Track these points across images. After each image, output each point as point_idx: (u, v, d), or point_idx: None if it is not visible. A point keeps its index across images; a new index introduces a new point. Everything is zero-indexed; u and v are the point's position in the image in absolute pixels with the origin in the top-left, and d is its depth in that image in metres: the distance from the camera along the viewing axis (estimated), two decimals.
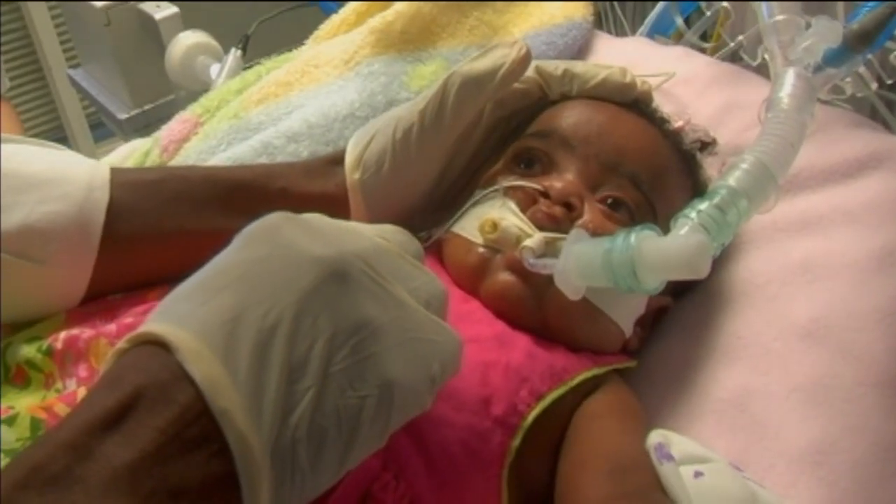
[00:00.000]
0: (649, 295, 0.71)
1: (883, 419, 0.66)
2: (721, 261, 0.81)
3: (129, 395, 0.41)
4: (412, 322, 0.49)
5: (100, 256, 0.68)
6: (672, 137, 0.80)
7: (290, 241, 0.47)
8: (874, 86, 0.82)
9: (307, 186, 0.76)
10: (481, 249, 0.70)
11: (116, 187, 0.70)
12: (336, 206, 0.75)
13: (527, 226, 0.68)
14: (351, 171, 0.76)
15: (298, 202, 0.70)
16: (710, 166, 0.83)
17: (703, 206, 0.53)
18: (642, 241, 0.50)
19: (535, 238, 0.67)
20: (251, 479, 0.41)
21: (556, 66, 0.81)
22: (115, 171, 0.71)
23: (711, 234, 0.52)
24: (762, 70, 1.00)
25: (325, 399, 0.44)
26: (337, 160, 0.78)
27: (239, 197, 0.74)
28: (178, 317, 0.44)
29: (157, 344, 0.43)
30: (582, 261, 0.54)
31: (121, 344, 0.45)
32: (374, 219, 0.75)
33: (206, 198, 0.73)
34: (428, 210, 0.79)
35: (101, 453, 0.39)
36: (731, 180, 0.54)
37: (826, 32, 0.61)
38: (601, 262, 0.52)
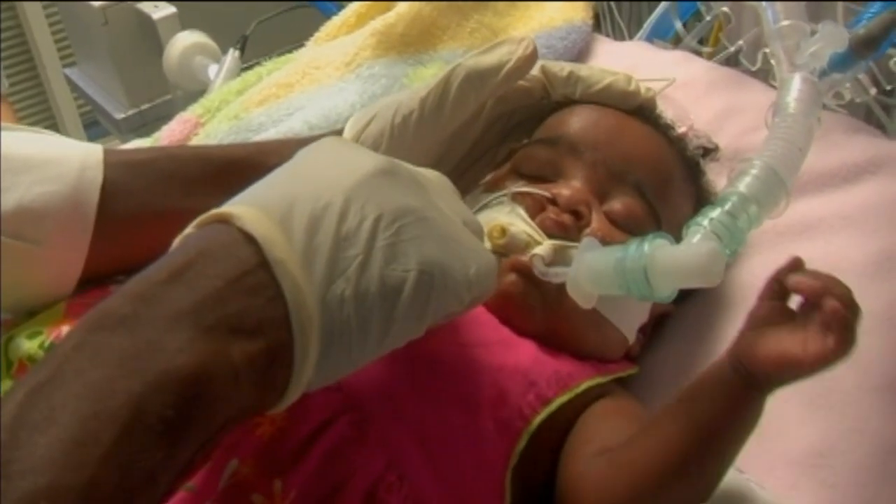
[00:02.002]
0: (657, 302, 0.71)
1: (882, 422, 0.66)
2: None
3: (192, 256, 0.46)
4: (452, 227, 0.53)
5: (95, 236, 0.69)
6: (676, 144, 0.81)
7: (341, 149, 0.54)
8: (873, 91, 0.82)
9: None
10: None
11: (110, 167, 0.70)
12: None
13: (536, 232, 0.68)
14: None
15: None
16: (711, 171, 0.83)
17: (715, 213, 0.53)
18: (656, 250, 0.51)
19: (544, 245, 0.67)
20: (302, 323, 0.45)
21: (562, 68, 0.81)
22: (108, 152, 0.72)
23: (724, 241, 0.52)
24: (761, 74, 1.01)
25: (371, 267, 0.48)
26: None
27: (232, 174, 0.74)
28: (238, 201, 0.50)
29: (220, 221, 0.48)
30: (594, 269, 0.54)
31: (188, 229, 0.50)
32: None
33: (199, 175, 0.74)
34: None
35: (166, 298, 0.44)
36: (742, 186, 0.54)
37: (832, 38, 0.61)
38: (614, 271, 0.52)
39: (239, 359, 0.44)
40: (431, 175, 0.59)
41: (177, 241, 0.50)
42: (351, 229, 0.48)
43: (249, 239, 0.46)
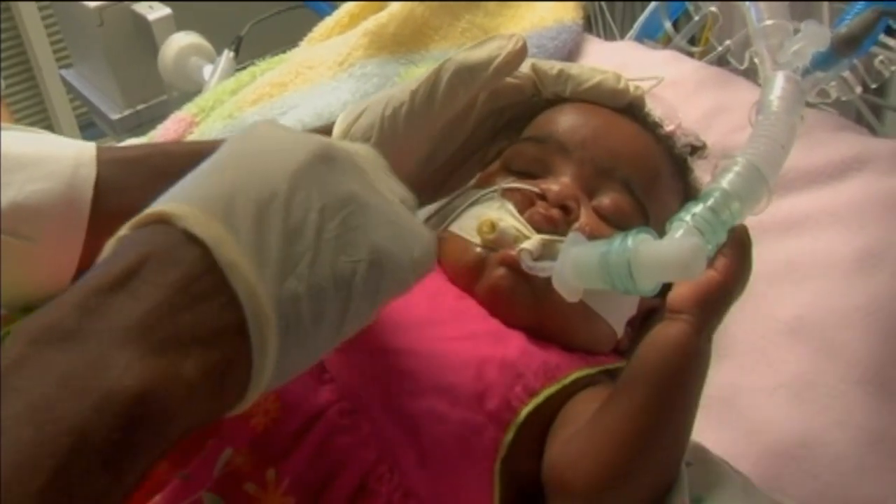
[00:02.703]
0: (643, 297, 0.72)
1: (864, 414, 0.68)
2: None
3: (135, 261, 0.43)
4: (393, 208, 0.53)
5: (89, 232, 0.69)
6: (664, 142, 0.81)
7: (275, 132, 0.52)
8: (858, 90, 0.84)
9: None
10: (479, 249, 0.71)
11: (103, 164, 0.70)
12: None
13: (525, 227, 0.69)
14: None
15: None
16: (699, 169, 0.84)
17: (698, 208, 0.54)
18: (639, 244, 0.51)
19: (532, 240, 0.68)
20: (260, 327, 0.43)
21: (552, 66, 0.82)
22: (101, 149, 0.72)
23: (706, 236, 0.53)
24: (749, 74, 1.02)
25: (321, 261, 0.47)
26: (324, 132, 0.78)
27: None
28: (173, 197, 0.47)
29: (158, 222, 0.45)
30: (579, 263, 0.55)
31: (121, 231, 0.47)
32: None
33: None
34: (413, 191, 0.80)
35: (111, 309, 0.41)
36: (724, 183, 0.55)
37: (814, 36, 0.62)
38: (598, 265, 0.53)
39: (192, 372, 0.42)
40: (364, 151, 0.58)
41: (110, 244, 0.47)
42: (298, 222, 0.47)
43: (194, 240, 0.44)
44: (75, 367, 0.39)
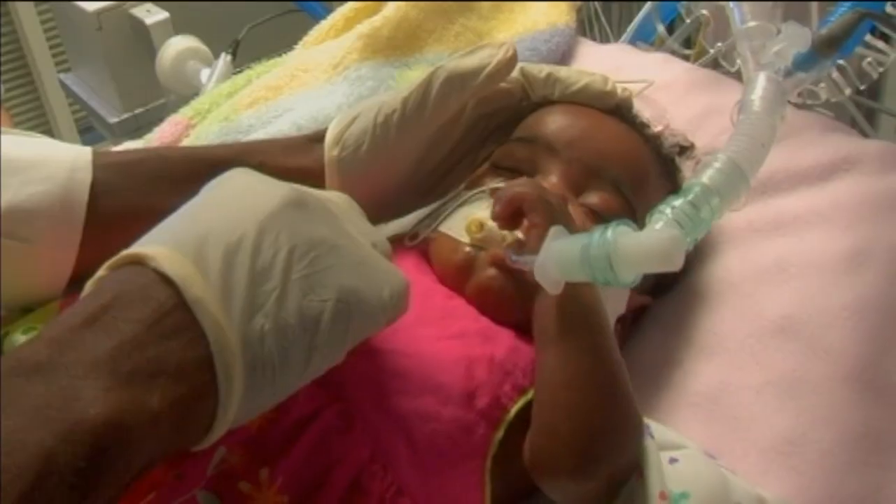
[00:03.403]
0: (627, 288, 0.73)
1: (850, 411, 0.68)
2: (698, 261, 0.83)
3: (108, 300, 0.45)
4: (363, 251, 0.54)
5: (85, 235, 0.70)
6: (652, 142, 0.83)
7: (249, 181, 0.54)
8: (847, 91, 0.85)
9: (285, 161, 0.78)
10: (467, 248, 0.72)
11: (99, 168, 0.72)
12: (312, 180, 0.76)
13: None
14: (330, 148, 0.78)
15: (275, 176, 0.75)
16: (688, 169, 0.85)
17: (678, 202, 0.55)
18: (619, 236, 0.52)
19: (517, 235, 0.69)
20: (226, 363, 0.45)
21: (541, 70, 0.83)
22: (97, 154, 0.73)
23: (685, 228, 0.54)
24: (740, 76, 1.03)
25: (289, 300, 0.48)
26: (317, 138, 0.80)
27: (219, 173, 0.76)
28: (149, 239, 0.49)
29: (133, 263, 0.47)
30: (561, 256, 0.56)
31: (99, 272, 0.49)
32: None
33: (186, 175, 0.75)
34: (404, 195, 0.81)
35: (82, 343, 0.43)
36: (705, 178, 0.56)
37: (796, 37, 0.63)
38: (579, 257, 0.53)
39: (159, 405, 0.44)
40: (338, 198, 0.60)
41: (89, 285, 0.49)
42: (266, 262, 0.48)
43: (165, 279, 0.46)
44: (45, 398, 0.41)
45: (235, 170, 0.56)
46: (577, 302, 0.61)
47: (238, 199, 0.52)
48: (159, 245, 0.48)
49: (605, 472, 0.60)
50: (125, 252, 0.48)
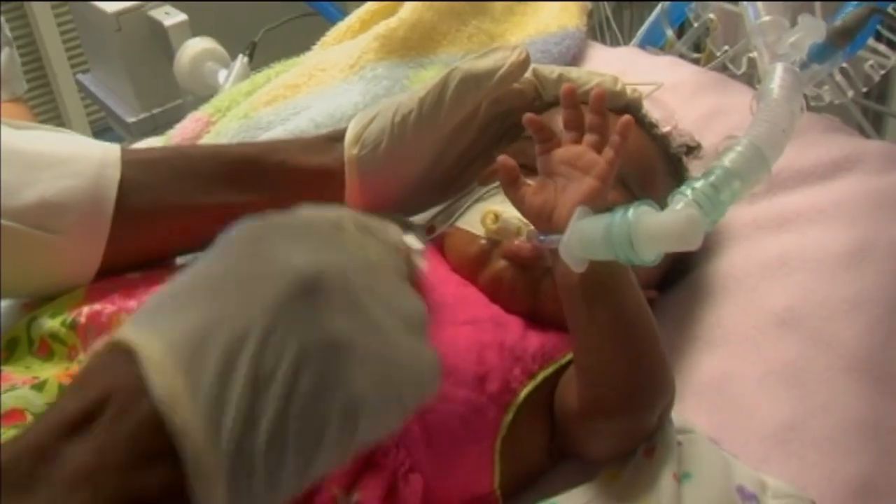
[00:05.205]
0: (647, 267, 0.75)
1: (849, 399, 0.70)
2: (704, 256, 0.85)
3: (95, 400, 0.42)
4: (386, 347, 0.47)
5: (113, 229, 0.73)
6: (660, 142, 0.85)
7: (266, 250, 0.47)
8: (850, 93, 0.87)
9: (305, 160, 0.80)
10: (483, 241, 0.74)
11: (127, 165, 0.74)
12: (332, 179, 0.79)
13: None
14: (349, 147, 0.80)
15: (296, 175, 0.78)
16: (695, 169, 0.88)
17: (699, 183, 0.56)
18: (640, 216, 0.53)
19: (534, 230, 0.71)
20: (207, 490, 0.42)
21: (552, 70, 0.86)
22: (125, 151, 0.76)
23: (704, 209, 0.55)
24: (745, 78, 1.05)
25: (289, 416, 0.43)
26: (337, 137, 0.82)
27: (242, 171, 0.79)
28: (149, 325, 0.45)
29: (129, 350, 0.43)
30: (585, 235, 0.57)
31: (99, 346, 0.46)
32: (367, 194, 0.80)
33: (211, 173, 0.78)
34: (420, 192, 0.83)
35: (65, 457, 0.41)
36: (726, 161, 0.57)
37: (811, 29, 0.64)
38: (602, 236, 0.54)
39: None
40: (376, 255, 0.51)
41: (86, 359, 0.46)
42: (267, 371, 0.43)
43: (154, 388, 0.42)
44: None
45: (250, 224, 0.49)
46: (606, 265, 0.60)
47: (247, 279, 0.46)
48: (153, 336, 0.43)
49: (657, 406, 0.65)
50: (119, 336, 0.44)
